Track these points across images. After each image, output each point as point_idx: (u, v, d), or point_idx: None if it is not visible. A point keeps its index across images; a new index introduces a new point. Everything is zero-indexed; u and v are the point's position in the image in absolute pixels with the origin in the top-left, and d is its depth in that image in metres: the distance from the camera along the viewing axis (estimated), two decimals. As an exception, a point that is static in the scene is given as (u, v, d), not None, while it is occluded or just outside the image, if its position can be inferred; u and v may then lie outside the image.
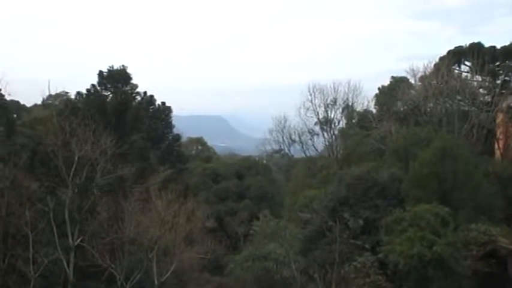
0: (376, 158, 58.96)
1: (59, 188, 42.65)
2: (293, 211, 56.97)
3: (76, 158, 41.23)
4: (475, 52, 65.15)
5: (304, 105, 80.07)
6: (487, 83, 66.81)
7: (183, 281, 48.12)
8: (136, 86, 68.78)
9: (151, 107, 78.18)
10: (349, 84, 79.90)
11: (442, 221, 40.95)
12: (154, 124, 76.98)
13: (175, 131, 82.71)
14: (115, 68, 66.51)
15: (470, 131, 59.37)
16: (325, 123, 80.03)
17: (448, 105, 63.30)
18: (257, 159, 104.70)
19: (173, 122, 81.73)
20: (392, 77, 78.52)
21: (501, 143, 61.79)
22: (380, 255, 41.18)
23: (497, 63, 67.81)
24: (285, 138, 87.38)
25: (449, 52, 68.99)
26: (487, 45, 68.74)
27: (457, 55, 68.76)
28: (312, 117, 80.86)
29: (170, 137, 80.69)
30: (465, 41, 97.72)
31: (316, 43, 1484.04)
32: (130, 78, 67.30)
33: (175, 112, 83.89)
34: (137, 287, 40.98)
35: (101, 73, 66.07)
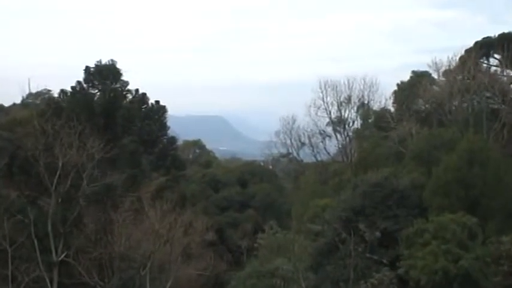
0: (395, 162, 58.86)
1: (40, 197, 42.76)
2: (302, 222, 56.89)
3: (60, 164, 41.35)
4: (506, 43, 64.98)
5: (315, 104, 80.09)
6: (518, 78, 66.71)
7: (180, 301, 48.15)
8: (127, 83, 68.71)
9: (143, 107, 78.19)
10: (364, 80, 79.92)
11: (470, 233, 40.91)
12: (147, 125, 76.95)
13: (170, 133, 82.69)
14: (103, 63, 66.51)
15: (500, 132, 59.25)
16: (338, 123, 80.00)
17: (475, 103, 63.22)
18: (262, 164, 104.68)
19: (168, 123, 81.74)
20: (413, 72, 78.47)
21: (535, 144, 61.66)
22: (400, 271, 41.15)
23: (531, 56, 67.63)
24: (293, 140, 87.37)
25: (476, 43, 68.86)
26: (518, 35, 68.62)
27: (485, 47, 68.60)
28: (323, 117, 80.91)
29: (165, 140, 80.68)
30: (494, 31, 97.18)
31: (328, 35, 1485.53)
32: (120, 75, 67.24)
33: (170, 112, 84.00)
34: (128, 308, 41.06)
35: (87, 69, 66.05)
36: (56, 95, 70.11)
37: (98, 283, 40.16)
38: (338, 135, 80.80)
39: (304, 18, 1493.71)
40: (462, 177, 44.46)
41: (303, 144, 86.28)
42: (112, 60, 66.80)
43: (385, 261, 43.20)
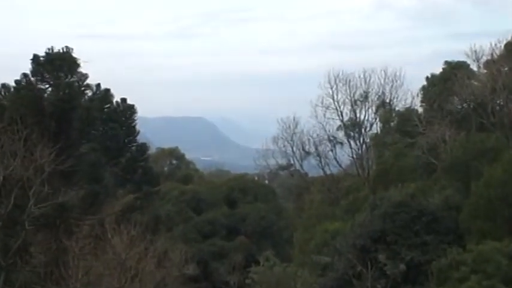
0: (423, 176, 58.97)
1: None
2: (307, 252, 56.93)
3: (0, 178, 41.17)
4: None
5: (322, 103, 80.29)
6: None
7: None
8: (85, 77, 68.66)
9: (106, 106, 78.07)
10: (385, 73, 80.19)
11: (517, 265, 40.95)
12: (111, 130, 76.91)
13: (140, 139, 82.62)
14: (55, 50, 66.44)
15: (556, 138, 59.44)
16: (352, 127, 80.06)
17: (525, 102, 63.38)
18: (256, 178, 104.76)
19: (138, 127, 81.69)
20: (446, 63, 78.57)
21: None
22: (430, 313, 41.24)
23: None
24: (295, 148, 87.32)
25: (526, 27, 69.20)
26: None
27: (538, 31, 68.87)
28: (333, 119, 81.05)
29: (134, 148, 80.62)
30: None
31: (340, 17, 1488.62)
32: (77, 65, 67.17)
33: (140, 113, 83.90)
34: None
35: (35, 58, 65.95)
36: (-5, 91, 70.10)
37: (48, 329, 40.05)
38: (352, 142, 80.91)
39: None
40: (508, 194, 44.51)
41: (308, 153, 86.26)
42: (67, 47, 66.66)
43: (411, 300, 43.32)
